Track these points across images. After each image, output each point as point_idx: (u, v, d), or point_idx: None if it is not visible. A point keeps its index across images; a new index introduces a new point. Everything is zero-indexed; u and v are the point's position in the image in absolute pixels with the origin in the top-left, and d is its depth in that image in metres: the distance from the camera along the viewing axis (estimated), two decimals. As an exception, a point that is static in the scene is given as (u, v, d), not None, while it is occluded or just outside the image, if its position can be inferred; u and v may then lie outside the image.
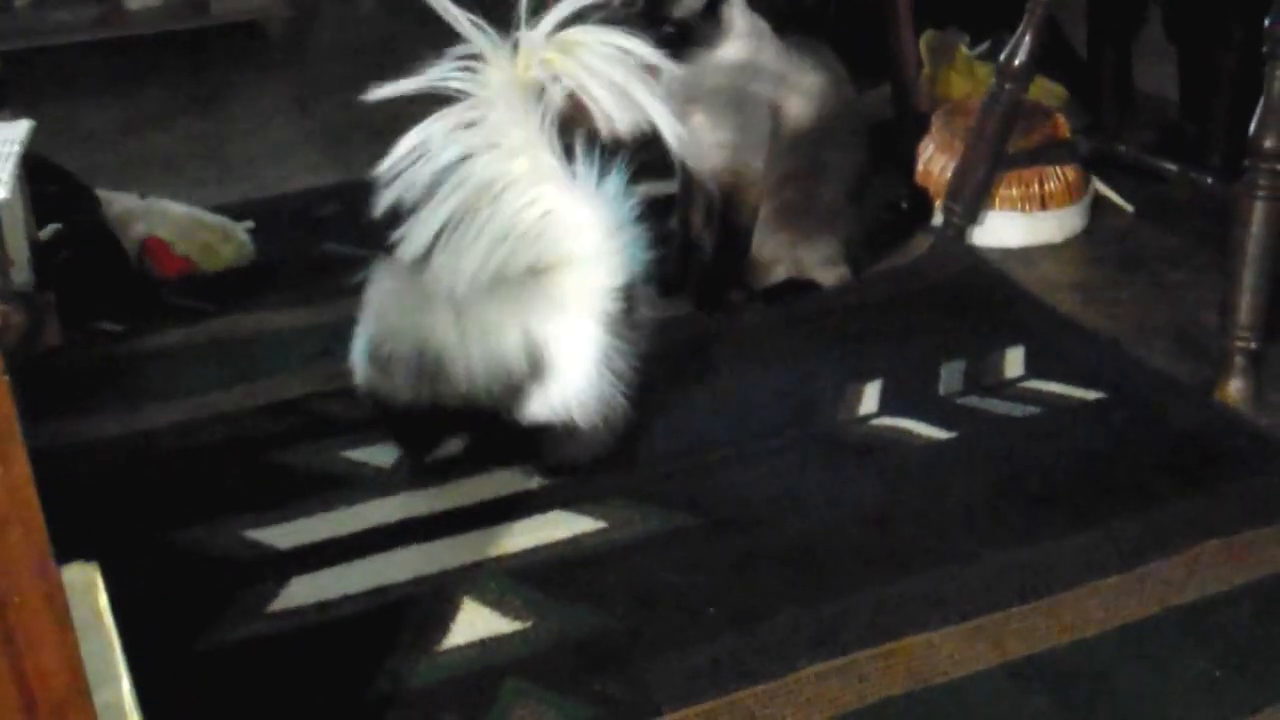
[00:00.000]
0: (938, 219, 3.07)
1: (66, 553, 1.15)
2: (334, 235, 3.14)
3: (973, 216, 3.02)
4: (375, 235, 2.15)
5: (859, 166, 2.84)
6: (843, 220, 2.83)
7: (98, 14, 4.59)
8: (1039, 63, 2.92)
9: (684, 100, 2.66)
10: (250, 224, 3.15)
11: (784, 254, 2.82)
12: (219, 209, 3.16)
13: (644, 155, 2.31)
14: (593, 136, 2.16)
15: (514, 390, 2.14)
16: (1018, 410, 2.41)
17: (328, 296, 2.83)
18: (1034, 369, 2.53)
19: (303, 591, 2.02)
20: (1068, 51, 3.59)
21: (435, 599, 1.99)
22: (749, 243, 2.80)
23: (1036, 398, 2.44)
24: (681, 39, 2.59)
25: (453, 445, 2.31)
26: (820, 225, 2.81)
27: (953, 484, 2.22)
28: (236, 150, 3.78)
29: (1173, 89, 3.44)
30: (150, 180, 3.37)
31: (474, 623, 1.94)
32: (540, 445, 2.22)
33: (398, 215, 2.08)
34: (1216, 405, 2.41)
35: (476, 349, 2.12)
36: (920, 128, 3.29)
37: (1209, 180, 2.88)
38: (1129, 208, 3.16)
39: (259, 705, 1.83)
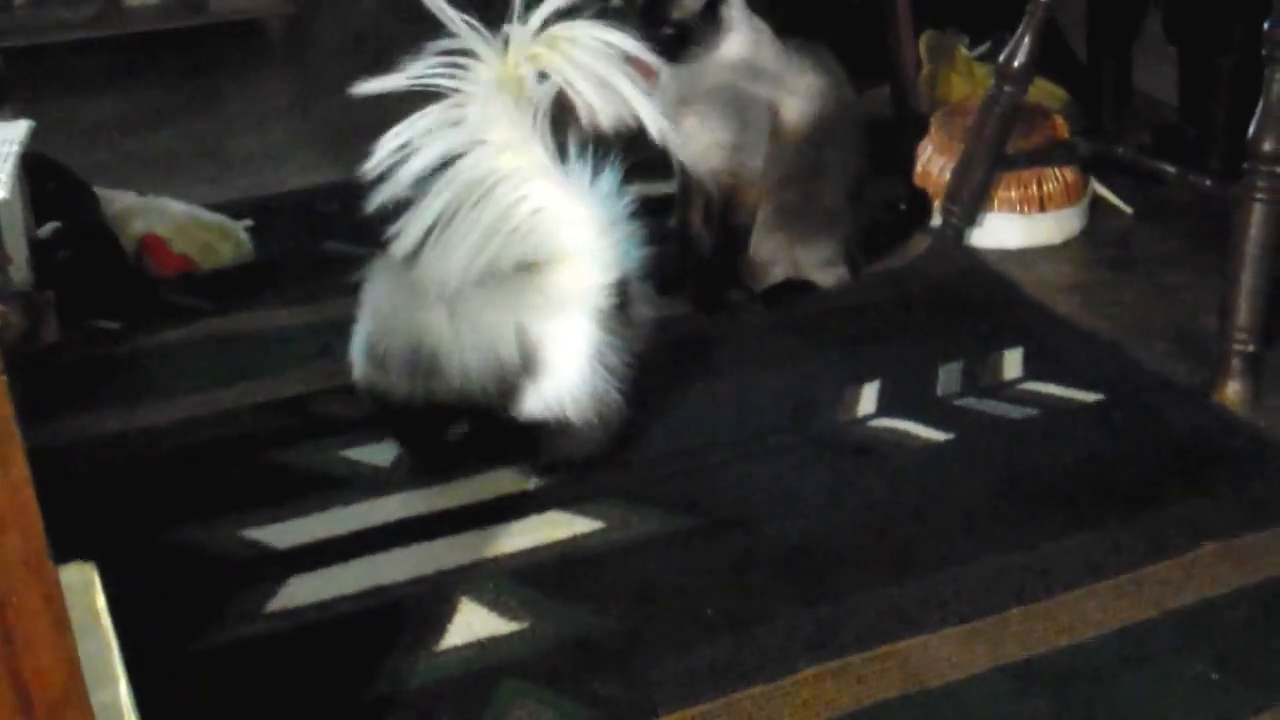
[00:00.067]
0: (936, 220, 3.07)
1: (64, 551, 1.15)
2: (333, 234, 3.13)
3: (971, 218, 3.02)
4: (374, 233, 2.15)
5: (858, 167, 2.83)
6: (841, 221, 2.83)
7: (96, 12, 4.58)
8: (1038, 64, 2.92)
9: (683, 101, 2.67)
10: (249, 222, 3.14)
11: (782, 255, 2.82)
12: (218, 207, 3.16)
13: (643, 154, 2.31)
14: (586, 133, 2.16)
15: (507, 386, 2.14)
16: (1016, 412, 2.41)
17: (327, 295, 2.83)
18: (1032, 370, 2.53)
19: (301, 591, 2.02)
20: (1067, 53, 3.59)
21: (433, 599, 1.99)
22: (747, 243, 2.79)
23: (1035, 399, 2.44)
24: (681, 39, 2.59)
25: (457, 432, 2.31)
26: (819, 226, 2.81)
27: (951, 485, 2.22)
28: (235, 148, 3.78)
29: (1172, 91, 3.43)
30: (149, 178, 3.36)
31: (472, 623, 1.94)
32: (535, 442, 2.22)
33: (393, 212, 2.09)
34: (1215, 407, 2.41)
35: (470, 345, 2.12)
36: (919, 129, 3.29)
37: (1208, 182, 2.87)
38: (1128, 209, 3.16)
39: (257, 705, 1.83)
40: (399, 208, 2.08)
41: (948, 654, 1.85)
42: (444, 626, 1.93)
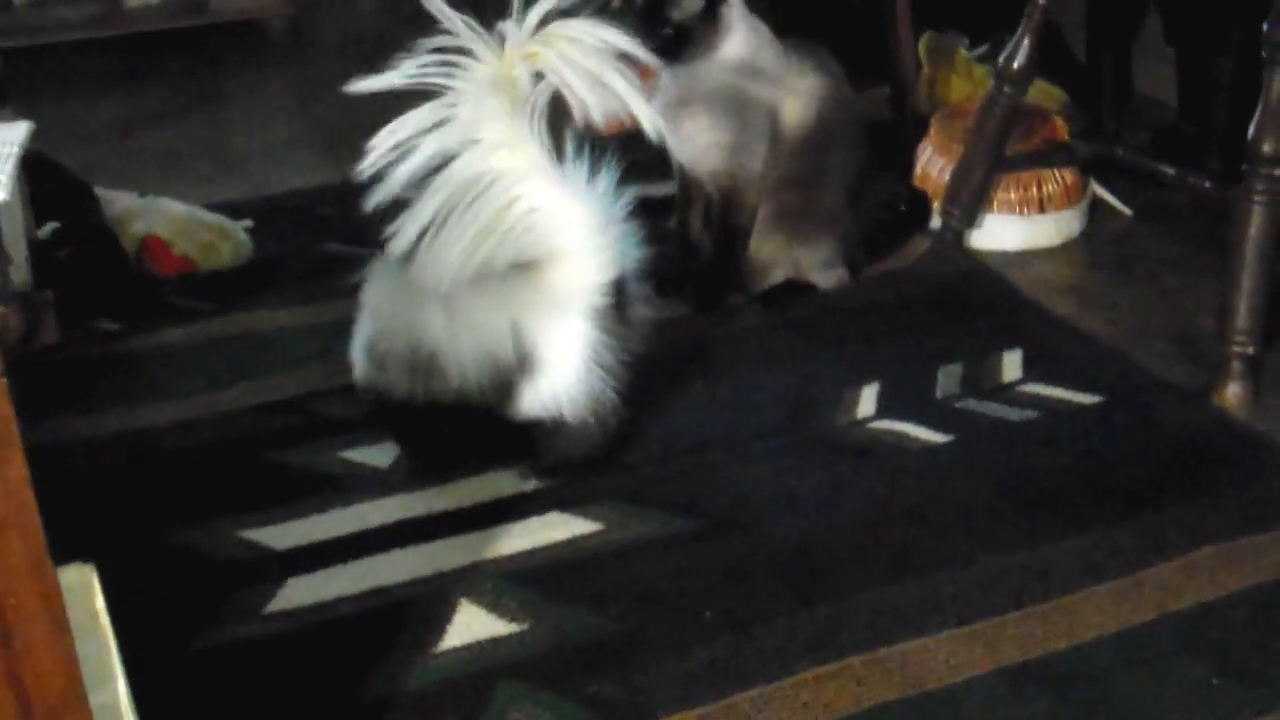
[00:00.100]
0: (936, 221, 3.07)
1: (63, 551, 1.15)
2: (333, 234, 3.14)
3: (971, 219, 3.02)
4: (373, 234, 2.15)
5: (857, 169, 2.84)
6: (841, 222, 2.83)
7: (97, 12, 4.59)
8: (1038, 66, 2.92)
9: (683, 102, 2.67)
10: (249, 223, 3.15)
11: (782, 256, 2.82)
12: (218, 207, 3.16)
13: (642, 155, 2.31)
14: (583, 133, 2.16)
15: (503, 385, 2.14)
16: (1015, 414, 2.41)
17: (326, 296, 2.83)
18: (1031, 372, 2.53)
19: (299, 592, 2.02)
20: (1067, 54, 3.59)
21: (432, 600, 1.99)
22: (746, 244, 2.79)
23: (1034, 401, 2.44)
24: (680, 41, 2.59)
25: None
26: (818, 227, 2.81)
27: (950, 487, 2.22)
28: (236, 149, 3.78)
29: (1171, 92, 3.44)
30: (149, 178, 3.36)
31: (470, 624, 1.94)
32: (532, 441, 2.22)
33: (391, 211, 2.09)
34: (1214, 409, 2.41)
35: (467, 344, 2.13)
36: (919, 130, 3.29)
37: (1207, 184, 2.88)
38: (1127, 211, 3.16)
39: (255, 706, 1.83)
40: (396, 207, 2.08)
41: (946, 656, 1.85)
42: (443, 628, 1.93)
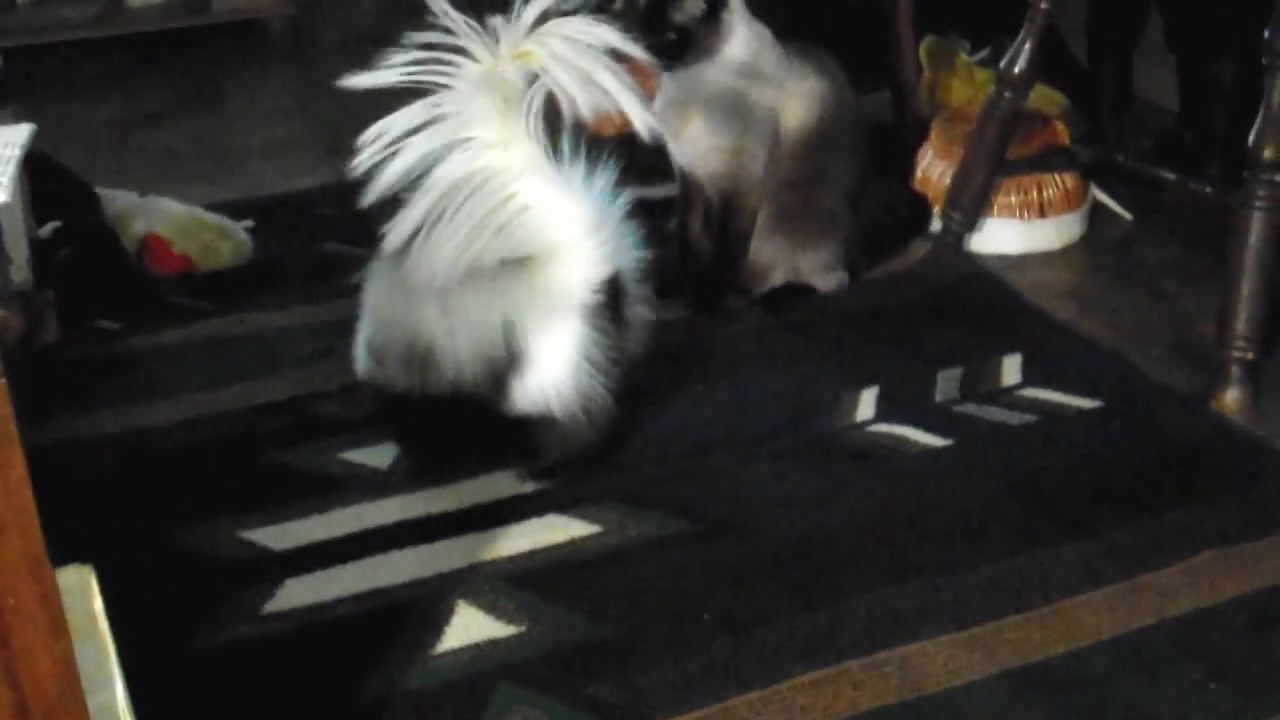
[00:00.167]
0: (936, 225, 3.07)
1: (62, 551, 1.15)
2: (333, 234, 3.14)
3: (971, 223, 3.02)
4: (373, 235, 2.16)
5: (858, 172, 2.84)
6: (841, 225, 2.83)
7: (99, 11, 4.59)
8: (1039, 70, 2.92)
9: (684, 105, 2.68)
10: (249, 222, 3.15)
11: (782, 259, 2.82)
12: (218, 207, 3.17)
13: (643, 157, 2.31)
14: (580, 132, 2.17)
15: (495, 380, 2.15)
16: (1014, 418, 2.41)
17: (327, 296, 2.84)
18: (1031, 377, 2.53)
19: (298, 593, 2.02)
20: (1068, 59, 3.59)
21: (430, 602, 1.99)
22: (747, 247, 2.80)
23: (1033, 406, 2.44)
24: (682, 44, 2.59)
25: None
26: (819, 230, 2.81)
27: (949, 491, 2.22)
28: (236, 149, 3.79)
29: (1172, 98, 3.44)
30: (150, 178, 3.37)
31: (468, 626, 1.94)
32: (525, 437, 2.22)
33: (388, 208, 2.10)
34: (1213, 415, 2.41)
35: (460, 339, 2.14)
36: (919, 133, 3.29)
37: (1208, 189, 2.88)
38: (1128, 216, 3.17)
39: (253, 707, 1.83)
40: (393, 204, 2.09)
41: (945, 660, 1.85)
42: (441, 629, 1.93)
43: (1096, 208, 3.16)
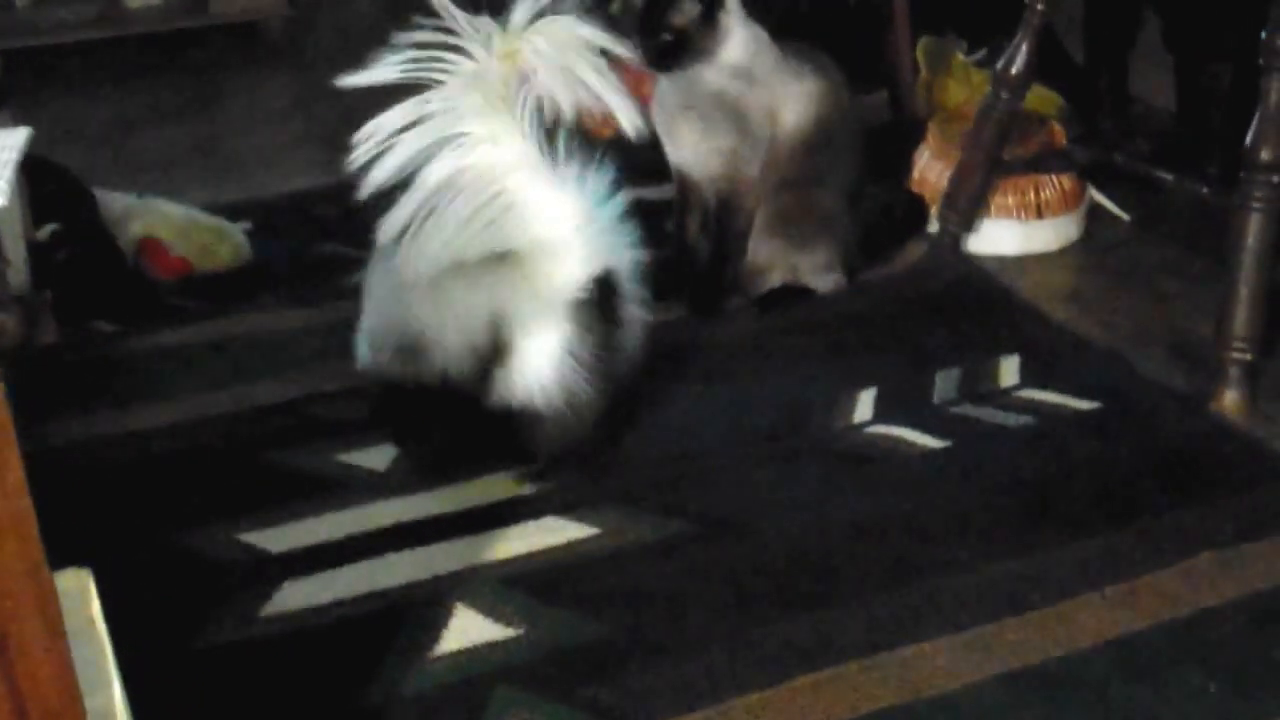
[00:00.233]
0: (933, 226, 3.07)
1: (58, 553, 1.15)
2: (331, 236, 3.14)
3: (968, 224, 3.02)
4: (372, 236, 2.16)
5: (855, 173, 2.84)
6: (838, 226, 2.83)
7: (97, 12, 4.58)
8: (1036, 71, 2.92)
9: (681, 106, 2.68)
10: (247, 224, 3.15)
11: (779, 260, 2.82)
12: (216, 209, 3.16)
13: (641, 159, 2.31)
14: (577, 132, 2.18)
15: (481, 371, 2.16)
16: (1012, 420, 2.41)
17: (324, 298, 2.83)
18: (1029, 378, 2.53)
19: (296, 595, 2.02)
20: (1065, 59, 3.59)
21: (428, 604, 1.99)
22: (744, 248, 2.80)
23: (1031, 407, 2.44)
24: (679, 46, 2.59)
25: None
26: (816, 231, 2.81)
27: (946, 493, 2.22)
28: (234, 150, 3.78)
29: (1169, 98, 3.43)
30: (147, 180, 3.36)
31: (466, 629, 1.94)
32: (510, 432, 2.22)
33: (384, 202, 2.12)
34: (1212, 416, 2.41)
35: (449, 329, 2.16)
36: (916, 134, 3.29)
37: (1205, 190, 2.88)
38: (1125, 217, 3.16)
39: (252, 709, 1.83)
40: (389, 198, 2.12)
41: (943, 663, 1.85)
42: (439, 632, 1.93)
43: (1094, 209, 3.16)
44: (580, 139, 2.18)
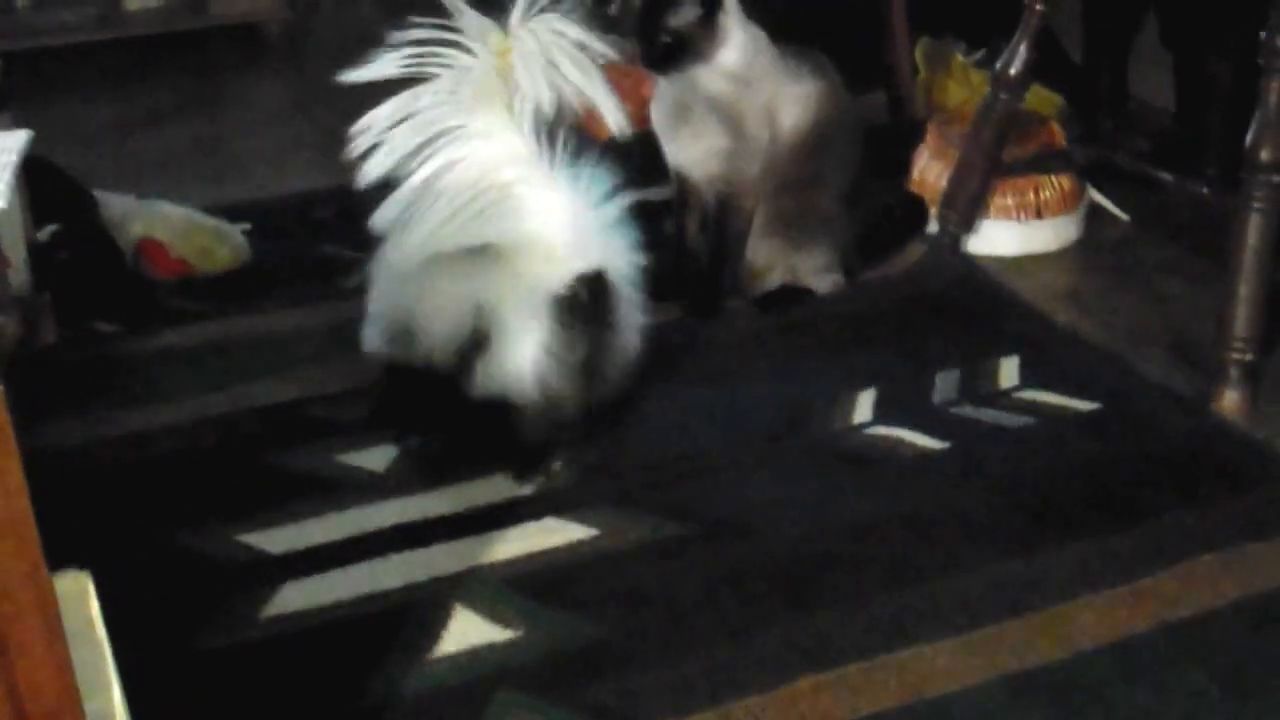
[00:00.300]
0: (933, 227, 3.07)
1: (57, 554, 1.15)
2: (331, 237, 3.13)
3: (968, 224, 3.02)
4: (371, 237, 2.17)
5: (854, 174, 2.83)
6: (837, 227, 2.83)
7: (97, 14, 4.58)
8: (1035, 71, 2.92)
9: (680, 108, 2.68)
10: (247, 226, 3.15)
11: (778, 261, 2.82)
12: (216, 210, 3.16)
13: (640, 159, 2.31)
14: (577, 131, 2.19)
15: (463, 360, 2.18)
16: (1012, 420, 2.40)
17: (324, 299, 2.83)
18: (1029, 379, 2.53)
19: (296, 597, 2.02)
20: (1064, 60, 3.59)
21: (428, 606, 1.99)
22: (743, 249, 2.79)
23: (1031, 408, 2.44)
24: (678, 48, 2.59)
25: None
26: (815, 232, 2.81)
27: (946, 494, 2.21)
28: (234, 152, 3.78)
29: (1169, 98, 3.43)
30: (147, 181, 3.36)
31: (466, 631, 1.94)
32: (491, 422, 2.23)
33: (382, 193, 2.16)
34: (1213, 417, 2.41)
35: (435, 316, 2.19)
36: (916, 135, 3.29)
37: (1205, 191, 2.88)
38: (1125, 217, 3.16)
39: (251, 711, 1.83)
40: (386, 189, 2.16)
41: (944, 665, 1.85)
42: (438, 633, 1.93)
43: (1094, 209, 3.15)
44: (580, 139, 2.19)
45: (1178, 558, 2.04)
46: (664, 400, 2.46)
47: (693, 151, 2.72)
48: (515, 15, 2.14)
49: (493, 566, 2.07)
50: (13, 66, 3.61)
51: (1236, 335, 2.41)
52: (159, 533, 2.16)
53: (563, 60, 2.14)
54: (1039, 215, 3.04)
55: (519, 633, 1.93)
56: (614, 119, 2.16)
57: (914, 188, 3.16)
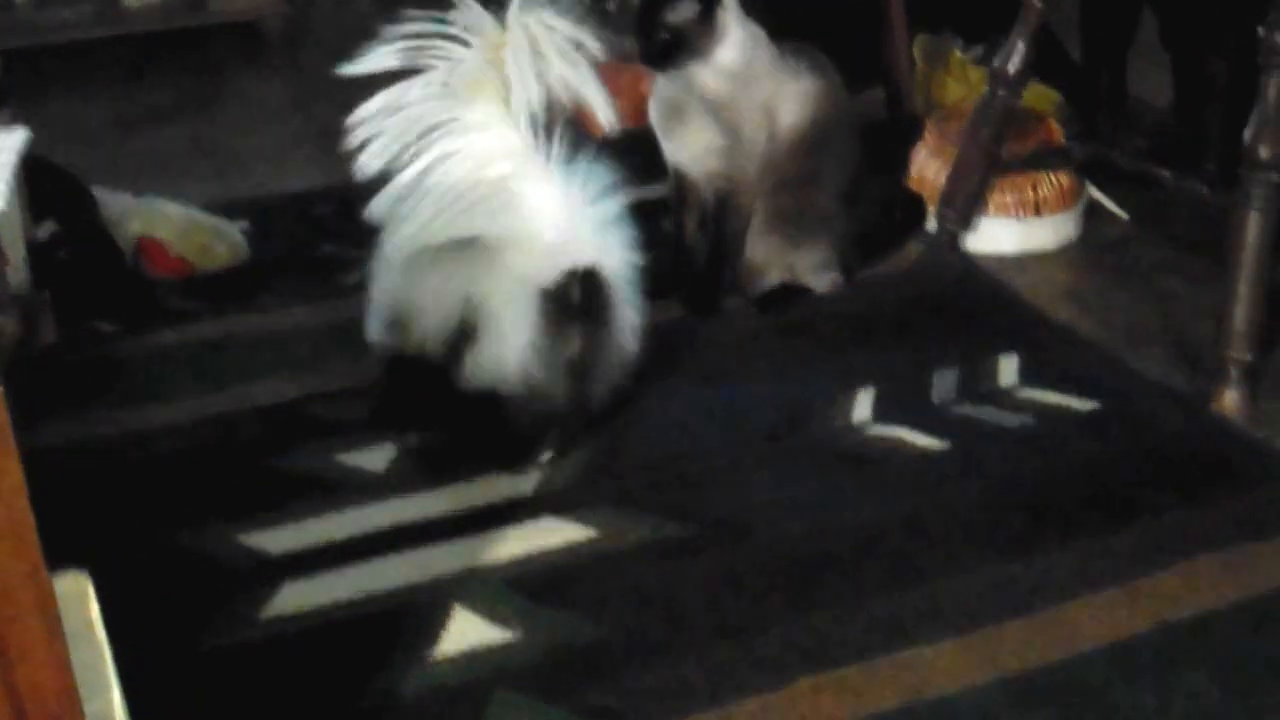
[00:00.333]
0: (931, 224, 3.07)
1: (57, 555, 1.15)
2: (330, 236, 3.13)
3: (966, 222, 3.02)
4: (371, 237, 2.17)
5: (852, 171, 2.83)
6: (836, 225, 2.83)
7: (95, 11, 4.58)
8: (1033, 68, 2.92)
9: (678, 105, 2.67)
10: (246, 224, 3.14)
11: (777, 259, 2.82)
12: (215, 209, 3.16)
13: (639, 158, 2.31)
14: (574, 127, 2.20)
15: (453, 351, 2.20)
16: (1011, 419, 2.40)
17: (323, 297, 2.83)
18: (1028, 377, 2.53)
19: (295, 597, 2.02)
20: (1062, 57, 3.59)
21: (427, 606, 1.99)
22: (742, 247, 2.79)
23: (1030, 407, 2.44)
24: (677, 45, 2.59)
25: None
26: (813, 230, 2.81)
27: (946, 494, 2.21)
28: (233, 150, 3.78)
29: (1167, 95, 3.43)
30: (146, 179, 3.35)
31: (465, 631, 1.94)
32: (479, 414, 2.24)
33: (378, 184, 2.19)
34: (1212, 416, 2.40)
35: (427, 307, 2.21)
36: (914, 132, 3.29)
37: (1204, 189, 2.87)
38: (1124, 215, 3.16)
39: (250, 712, 1.83)
40: (382, 181, 2.18)
41: (944, 665, 1.85)
42: (437, 634, 1.93)
43: (1092, 206, 3.15)
44: (576, 135, 2.19)
45: (1177, 558, 2.04)
46: (663, 400, 2.46)
47: (691, 149, 2.72)
48: (512, 8, 2.15)
49: (492, 567, 2.07)
50: (11, 64, 3.61)
51: (1236, 334, 2.41)
52: (159, 533, 2.16)
53: (552, 55, 2.15)
54: (1038, 212, 3.04)
55: (518, 633, 1.93)
56: (604, 115, 2.17)
57: (912, 185, 3.16)
